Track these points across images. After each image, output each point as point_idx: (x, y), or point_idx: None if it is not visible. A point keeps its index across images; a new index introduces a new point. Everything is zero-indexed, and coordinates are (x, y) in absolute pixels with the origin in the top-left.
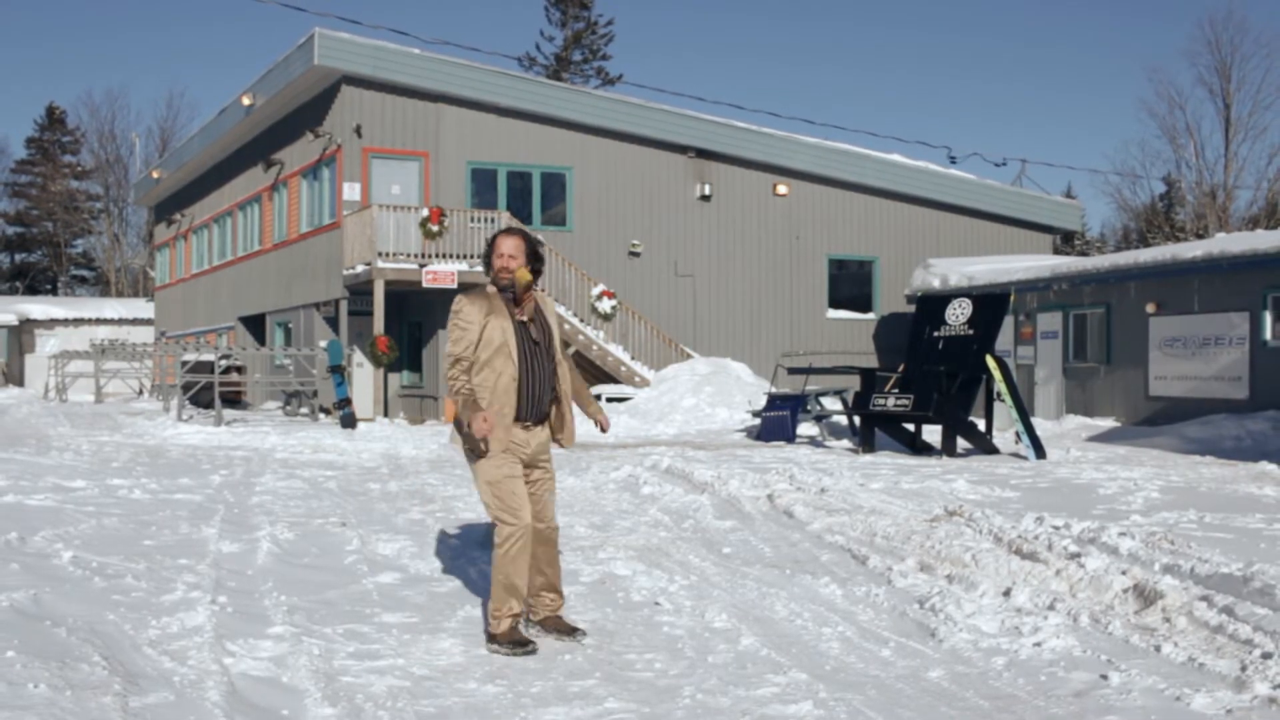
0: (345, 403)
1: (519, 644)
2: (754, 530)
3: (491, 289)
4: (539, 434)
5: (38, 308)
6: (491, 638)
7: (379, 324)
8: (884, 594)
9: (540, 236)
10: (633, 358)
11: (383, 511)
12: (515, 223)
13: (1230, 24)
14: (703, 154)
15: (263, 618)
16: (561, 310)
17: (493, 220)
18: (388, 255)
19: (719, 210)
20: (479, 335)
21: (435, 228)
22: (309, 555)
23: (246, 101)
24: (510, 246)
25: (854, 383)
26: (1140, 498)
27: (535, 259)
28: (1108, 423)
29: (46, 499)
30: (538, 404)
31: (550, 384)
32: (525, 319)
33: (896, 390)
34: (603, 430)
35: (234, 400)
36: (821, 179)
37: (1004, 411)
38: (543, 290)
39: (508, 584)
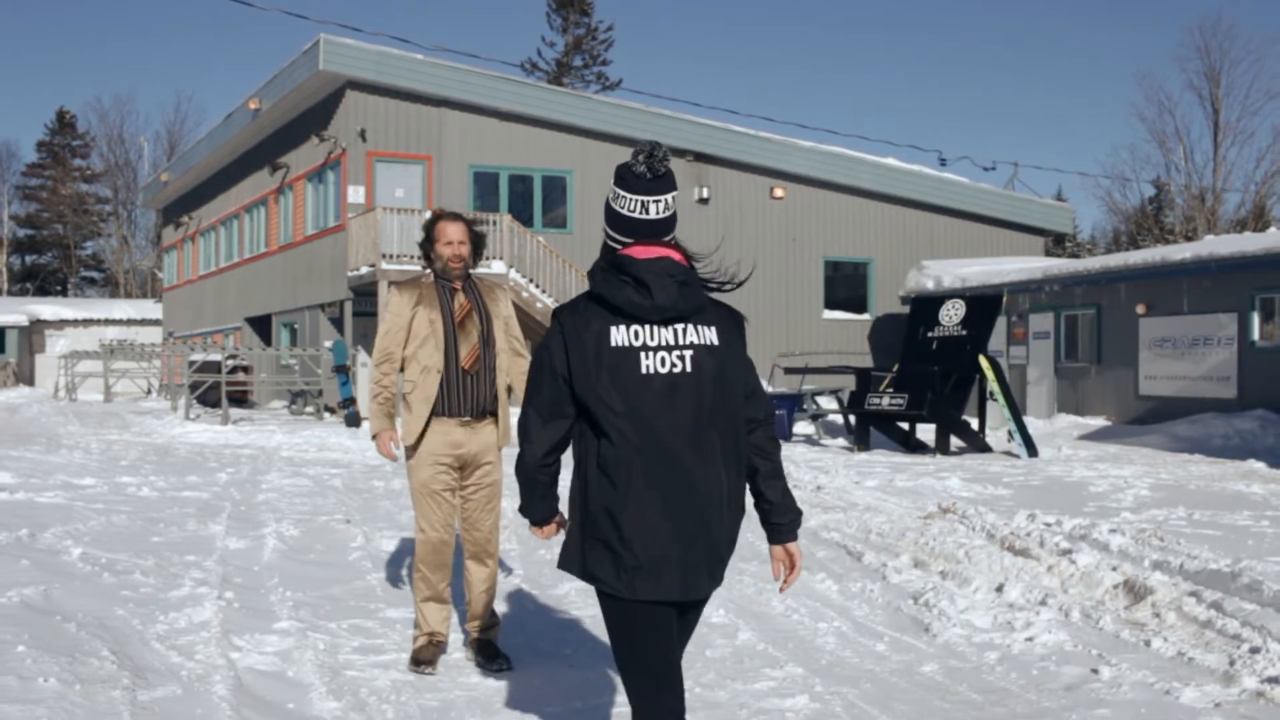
0: (350, 402)
1: (415, 662)
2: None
3: (426, 278)
4: (482, 432)
5: (48, 308)
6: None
7: None
8: (879, 590)
9: (541, 239)
10: None
11: (386, 509)
12: (516, 225)
13: (1220, 30)
14: (701, 157)
15: (269, 613)
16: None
17: (494, 223)
18: (391, 257)
19: (717, 212)
20: (407, 328)
21: None
22: (314, 552)
23: (253, 106)
24: (458, 233)
25: (849, 382)
26: (1130, 495)
27: (477, 243)
28: (1098, 421)
29: (56, 496)
30: (472, 397)
31: (491, 376)
32: (461, 306)
33: (891, 390)
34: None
35: (240, 399)
36: (818, 182)
37: (996, 410)
38: (503, 283)
39: (417, 603)
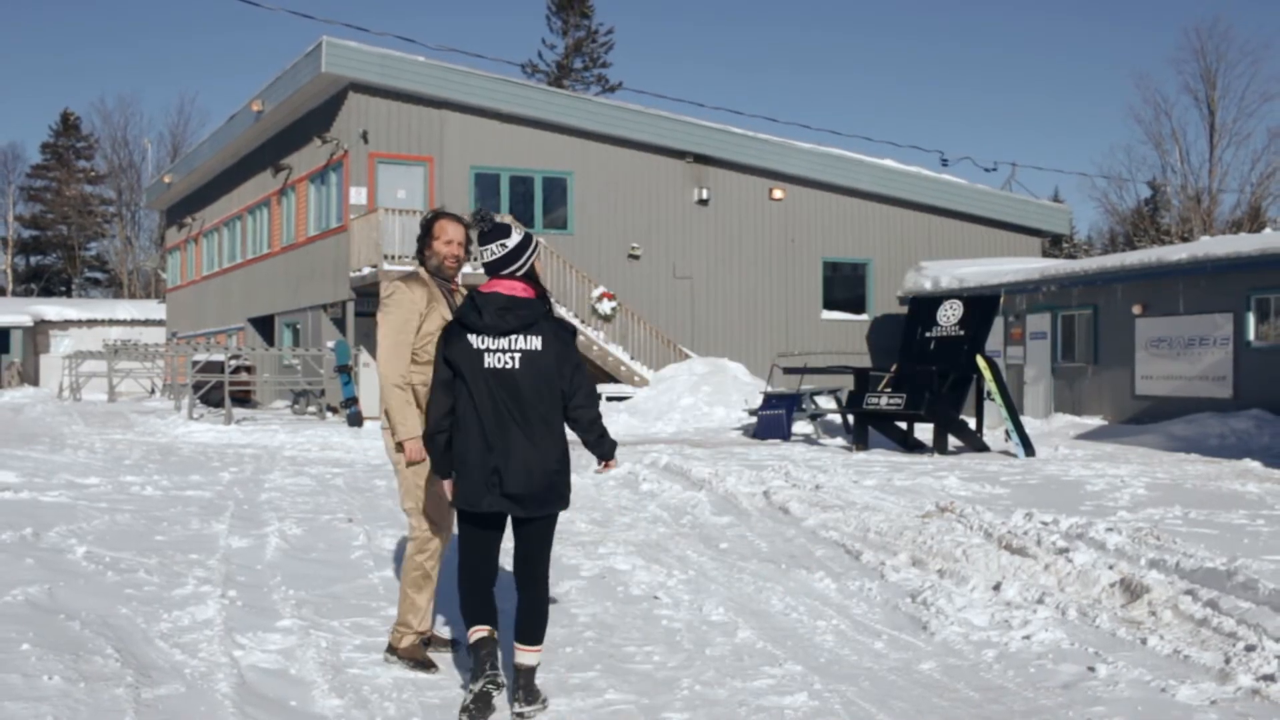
0: (352, 402)
1: (420, 664)
2: (750, 526)
3: (424, 273)
4: None
5: (52, 309)
6: (391, 649)
7: None
8: (877, 588)
9: (542, 240)
10: (632, 358)
11: (388, 507)
12: (518, 226)
13: (1216, 32)
14: (700, 159)
15: (271, 611)
16: (563, 311)
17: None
18: (393, 258)
19: (716, 214)
20: (419, 325)
21: None
22: (316, 550)
23: (256, 108)
24: (458, 234)
25: (848, 382)
26: (1127, 494)
27: (469, 246)
28: (1095, 421)
29: (60, 495)
30: None
31: None
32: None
33: (889, 389)
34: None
35: (243, 399)
36: (816, 183)
37: (994, 410)
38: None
39: (415, 600)
